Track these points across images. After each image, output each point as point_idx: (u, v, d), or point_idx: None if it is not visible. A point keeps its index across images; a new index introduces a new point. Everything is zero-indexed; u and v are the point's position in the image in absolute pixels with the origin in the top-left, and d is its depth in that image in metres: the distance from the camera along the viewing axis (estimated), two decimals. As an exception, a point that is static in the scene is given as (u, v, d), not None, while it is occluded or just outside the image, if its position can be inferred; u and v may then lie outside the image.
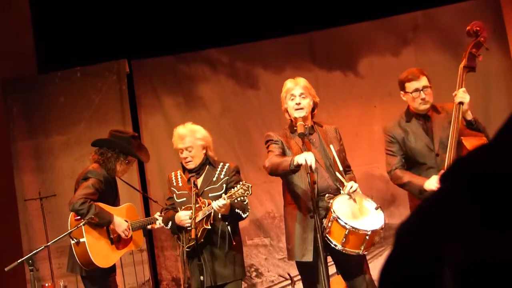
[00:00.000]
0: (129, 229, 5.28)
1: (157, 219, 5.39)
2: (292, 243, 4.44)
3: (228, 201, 4.55)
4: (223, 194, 4.61)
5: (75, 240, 5.03)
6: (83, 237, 5.04)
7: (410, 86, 4.66)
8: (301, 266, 4.51)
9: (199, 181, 4.88)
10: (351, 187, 4.28)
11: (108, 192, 5.28)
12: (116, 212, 5.26)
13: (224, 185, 4.86)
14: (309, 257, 4.30)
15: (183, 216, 4.76)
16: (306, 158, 4.15)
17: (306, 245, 4.32)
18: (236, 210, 4.69)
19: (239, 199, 4.54)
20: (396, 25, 7.44)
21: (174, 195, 4.98)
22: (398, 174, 4.66)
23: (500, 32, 7.11)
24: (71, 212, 5.16)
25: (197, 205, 4.71)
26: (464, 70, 4.53)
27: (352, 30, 7.47)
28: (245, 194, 4.50)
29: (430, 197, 0.85)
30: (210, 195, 4.82)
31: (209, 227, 4.67)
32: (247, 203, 4.81)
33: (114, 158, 5.29)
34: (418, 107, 4.67)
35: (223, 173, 4.90)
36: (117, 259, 5.26)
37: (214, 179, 4.85)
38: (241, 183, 4.57)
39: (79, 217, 5.09)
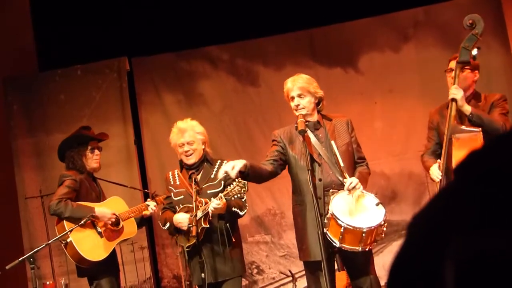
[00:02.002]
0: (119, 222, 5.28)
1: (148, 205, 5.39)
2: (306, 243, 4.41)
3: (224, 201, 4.55)
4: (220, 194, 4.60)
5: (63, 242, 5.08)
6: (68, 237, 5.06)
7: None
8: (311, 264, 4.46)
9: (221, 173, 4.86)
10: (350, 183, 4.25)
11: (87, 191, 5.32)
12: (102, 207, 5.27)
13: (223, 182, 4.84)
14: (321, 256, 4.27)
15: (181, 219, 4.77)
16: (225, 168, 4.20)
17: (319, 245, 4.29)
18: (233, 209, 4.70)
19: (235, 196, 4.55)
20: (396, 22, 7.45)
21: (172, 193, 4.98)
22: (423, 159, 4.80)
23: (500, 28, 7.11)
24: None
25: (193, 205, 4.71)
26: (457, 66, 4.49)
27: (352, 27, 7.47)
28: (241, 192, 4.50)
29: (440, 191, 0.85)
30: (208, 192, 4.81)
31: (208, 225, 4.67)
32: (245, 200, 4.82)
33: (76, 153, 5.35)
34: (449, 87, 4.59)
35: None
36: (110, 250, 5.25)
37: (212, 176, 4.84)
38: (236, 180, 4.54)
39: (60, 221, 5.12)
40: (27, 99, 7.60)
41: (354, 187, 4.23)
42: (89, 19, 7.57)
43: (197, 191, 4.70)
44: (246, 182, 4.47)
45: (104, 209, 5.22)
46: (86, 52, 7.56)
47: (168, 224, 4.90)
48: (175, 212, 4.96)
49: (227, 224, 4.77)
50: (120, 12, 7.54)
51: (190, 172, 4.92)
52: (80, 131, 5.52)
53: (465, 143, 4.34)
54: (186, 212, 4.79)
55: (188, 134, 4.93)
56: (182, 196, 4.88)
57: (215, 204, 4.54)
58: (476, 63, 4.72)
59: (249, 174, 4.26)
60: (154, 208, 5.38)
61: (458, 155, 4.31)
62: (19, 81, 7.65)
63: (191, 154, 4.91)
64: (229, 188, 4.53)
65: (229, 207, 4.65)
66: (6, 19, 7.60)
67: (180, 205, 4.88)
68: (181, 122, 5.05)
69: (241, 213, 4.78)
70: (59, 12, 7.69)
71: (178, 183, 4.97)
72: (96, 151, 5.41)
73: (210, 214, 4.63)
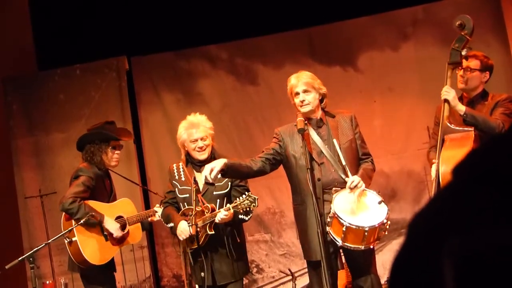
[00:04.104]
0: (126, 226, 5.25)
1: (156, 211, 5.36)
2: (308, 243, 4.39)
3: (232, 212, 4.51)
4: (228, 205, 4.56)
5: (68, 240, 5.03)
6: (74, 236, 5.03)
7: None
8: (313, 263, 4.45)
9: (203, 178, 4.82)
10: (352, 182, 4.23)
11: (101, 188, 5.26)
12: (111, 209, 5.23)
13: (229, 183, 4.79)
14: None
15: (184, 230, 4.68)
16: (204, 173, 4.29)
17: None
18: (240, 216, 4.63)
19: (244, 209, 4.51)
20: (395, 20, 7.44)
21: (176, 189, 4.89)
22: (429, 156, 4.79)
23: (499, 27, 7.11)
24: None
25: (199, 209, 4.64)
26: (448, 67, 4.50)
27: (351, 25, 7.47)
28: (251, 206, 4.46)
29: (440, 191, 0.86)
30: (214, 193, 4.76)
31: (213, 232, 4.60)
32: None
33: (97, 149, 5.27)
34: (457, 84, 4.65)
35: None
36: (113, 255, 5.23)
37: (219, 176, 4.76)
38: (247, 193, 4.51)
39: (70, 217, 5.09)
40: (27, 99, 7.60)
41: (355, 186, 4.21)
42: (88, 19, 7.57)
43: (196, 190, 4.65)
44: (256, 197, 4.46)
45: (112, 222, 5.16)
46: (85, 52, 7.56)
47: (171, 224, 4.83)
48: (177, 208, 4.90)
49: (233, 230, 4.73)
50: (119, 12, 7.54)
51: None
52: (104, 126, 5.42)
53: (456, 142, 4.36)
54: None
55: (201, 129, 4.84)
56: (188, 195, 4.79)
57: (222, 215, 4.50)
58: (490, 63, 4.75)
59: (228, 173, 4.29)
60: (161, 217, 5.35)
61: (446, 154, 4.32)
62: (18, 81, 7.65)
63: (204, 150, 4.83)
64: (238, 201, 4.49)
65: (236, 215, 4.60)
66: (5, 19, 7.60)
67: (186, 204, 4.80)
68: (192, 116, 4.93)
69: (246, 219, 4.72)
70: (58, 12, 7.68)
71: (183, 179, 4.87)
72: (117, 150, 5.36)
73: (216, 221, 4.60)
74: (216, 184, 4.76)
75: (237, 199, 4.54)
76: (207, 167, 4.27)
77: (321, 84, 4.51)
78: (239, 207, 4.47)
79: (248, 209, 4.49)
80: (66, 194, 5.10)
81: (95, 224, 5.08)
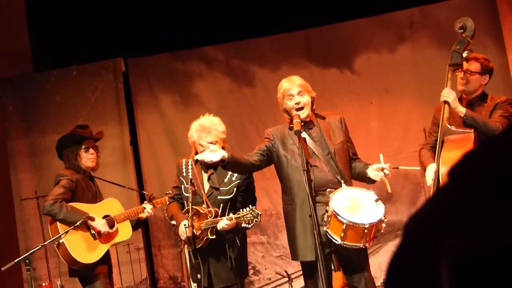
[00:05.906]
0: (114, 224, 5.27)
1: (145, 208, 5.37)
2: (295, 243, 4.41)
3: (234, 221, 4.48)
4: (231, 214, 4.54)
5: (56, 243, 5.06)
6: (61, 238, 5.05)
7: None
8: (305, 265, 4.46)
9: (211, 179, 4.76)
10: (387, 169, 4.36)
11: (84, 191, 5.31)
12: (97, 208, 5.26)
13: (235, 189, 4.75)
14: (312, 256, 4.27)
15: (183, 233, 4.65)
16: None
17: (309, 245, 4.29)
18: (242, 225, 4.57)
19: (246, 222, 4.47)
20: (392, 22, 7.46)
21: (182, 186, 4.86)
22: (420, 153, 4.82)
23: (495, 28, 7.12)
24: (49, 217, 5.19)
25: (203, 211, 4.63)
26: (449, 69, 4.52)
27: (348, 27, 7.48)
28: (253, 221, 4.42)
29: (435, 193, 0.86)
30: (219, 197, 4.73)
31: (214, 236, 4.57)
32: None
33: (71, 153, 5.34)
34: (457, 86, 4.69)
35: (235, 174, 4.72)
36: (103, 252, 5.23)
37: (226, 180, 4.69)
38: (251, 207, 4.46)
39: (54, 221, 5.12)
40: (23, 100, 7.60)
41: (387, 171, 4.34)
42: (84, 20, 7.56)
43: (193, 191, 4.63)
44: (260, 213, 4.45)
45: (98, 219, 5.19)
46: (81, 53, 7.56)
47: (174, 222, 4.82)
48: (183, 204, 4.89)
49: (235, 235, 4.71)
50: (115, 13, 7.53)
51: (210, 173, 4.80)
52: (75, 130, 5.50)
53: (456, 143, 4.39)
54: (194, 214, 4.67)
55: (212, 133, 4.72)
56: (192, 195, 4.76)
57: (224, 224, 4.49)
58: (490, 66, 4.78)
59: (229, 164, 4.26)
60: (151, 211, 5.35)
61: (446, 155, 4.35)
62: (14, 82, 7.64)
63: None
64: (241, 213, 4.45)
65: (238, 224, 4.55)
66: (1, 19, 7.59)
67: (189, 202, 4.78)
68: (205, 118, 4.82)
69: (249, 227, 4.63)
70: (54, 13, 7.67)
71: (190, 177, 4.78)
72: (91, 150, 5.37)
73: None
74: (221, 189, 4.74)
75: (241, 210, 4.50)
76: (211, 147, 4.23)
77: (310, 87, 4.55)
78: (242, 219, 4.44)
79: (249, 222, 4.46)
80: (47, 197, 5.18)
81: (82, 223, 5.10)
